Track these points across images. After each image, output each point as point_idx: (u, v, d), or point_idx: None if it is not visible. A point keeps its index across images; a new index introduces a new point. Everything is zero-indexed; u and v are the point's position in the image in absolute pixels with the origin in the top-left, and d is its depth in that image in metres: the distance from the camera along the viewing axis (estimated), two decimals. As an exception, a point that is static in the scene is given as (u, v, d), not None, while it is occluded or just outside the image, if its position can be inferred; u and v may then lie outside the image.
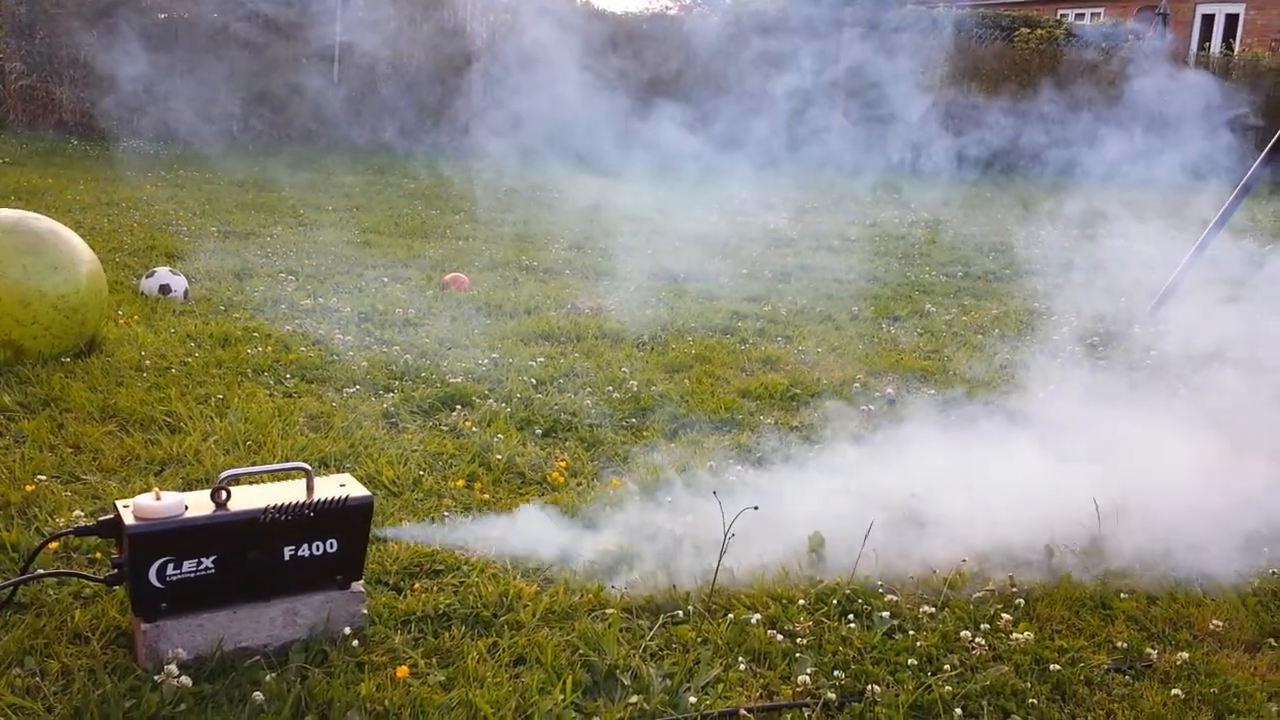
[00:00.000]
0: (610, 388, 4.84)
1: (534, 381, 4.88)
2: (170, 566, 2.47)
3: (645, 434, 4.32)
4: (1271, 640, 2.93)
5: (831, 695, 2.54)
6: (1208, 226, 6.75)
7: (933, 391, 5.06)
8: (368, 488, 2.82)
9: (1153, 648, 2.84)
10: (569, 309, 6.41)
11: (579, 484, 3.76)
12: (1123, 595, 3.10)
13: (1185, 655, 2.79)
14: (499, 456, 3.89)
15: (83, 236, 5.09)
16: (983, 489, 3.86)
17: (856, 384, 5.12)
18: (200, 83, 13.97)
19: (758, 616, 2.87)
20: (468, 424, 4.27)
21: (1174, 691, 2.63)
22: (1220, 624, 2.97)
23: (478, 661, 2.61)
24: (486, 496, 3.58)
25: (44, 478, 3.48)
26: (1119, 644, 2.85)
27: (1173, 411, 4.57)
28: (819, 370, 5.35)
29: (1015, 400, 4.94)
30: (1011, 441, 4.37)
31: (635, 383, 4.94)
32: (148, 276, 6.12)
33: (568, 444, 4.14)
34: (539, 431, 4.24)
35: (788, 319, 6.52)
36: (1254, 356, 5.12)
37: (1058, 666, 2.70)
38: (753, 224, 10.42)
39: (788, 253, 8.79)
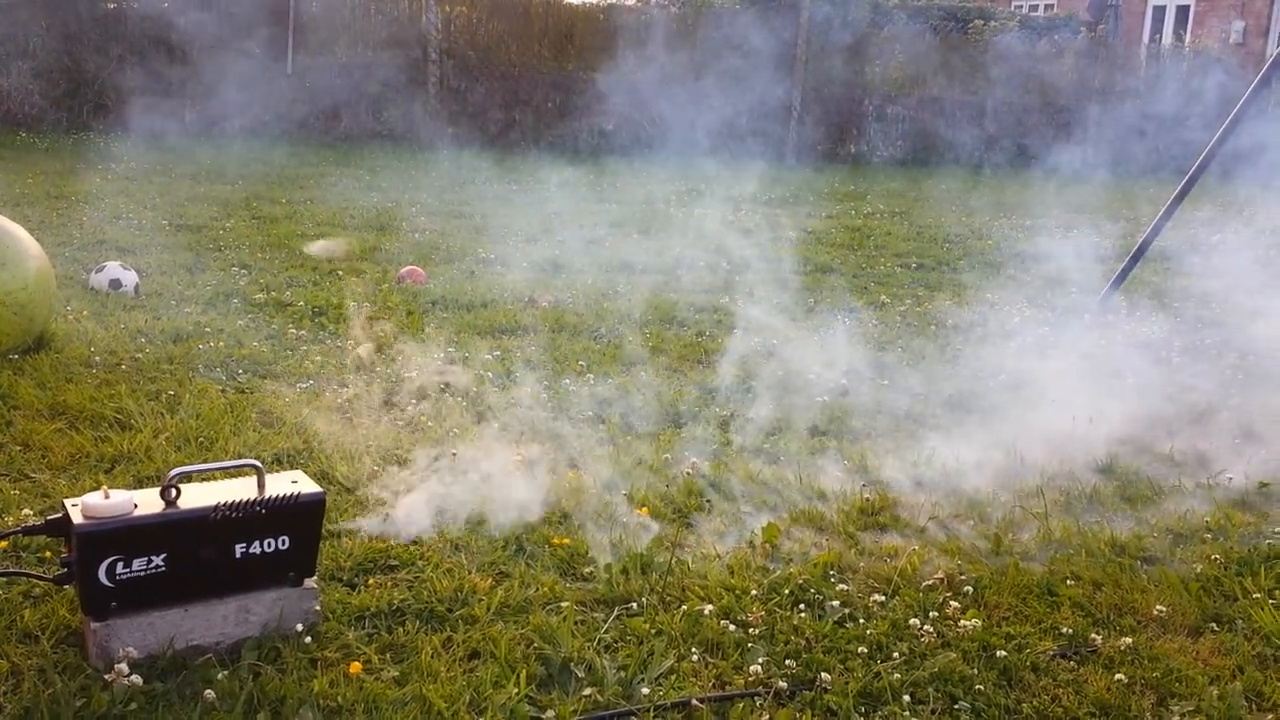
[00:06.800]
0: (567, 381, 4.85)
1: (490, 375, 4.88)
2: (120, 565, 2.46)
3: (601, 427, 4.33)
4: (1213, 625, 2.99)
5: (783, 684, 2.58)
6: (1157, 214, 6.85)
7: (885, 382, 5.11)
8: (321, 484, 2.82)
9: (1097, 633, 2.89)
10: (526, 302, 6.41)
11: (535, 476, 3.76)
12: (1069, 581, 3.16)
13: (1129, 640, 2.84)
14: (455, 451, 3.89)
15: (30, 231, 5.03)
16: (933, 481, 3.92)
17: (812, 375, 5.16)
18: (151, 73, 13.80)
19: (711, 607, 2.89)
20: (424, 418, 4.26)
21: (1117, 676, 2.68)
22: (1164, 609, 3.03)
23: (432, 656, 2.61)
24: (442, 492, 3.57)
25: (-9, 476, 3.44)
26: (1064, 630, 2.90)
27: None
28: (775, 362, 5.38)
29: (964, 389, 5.01)
30: (963, 432, 4.44)
31: (592, 375, 4.95)
32: (97, 271, 6.04)
33: (523, 437, 4.14)
34: (495, 425, 4.25)
35: (744, 311, 6.55)
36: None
37: (1004, 653, 2.75)
38: (710, 216, 10.44)
39: (745, 245, 8.83)
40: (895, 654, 2.73)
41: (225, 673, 2.46)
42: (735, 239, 8.96)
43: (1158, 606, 3.04)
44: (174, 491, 2.52)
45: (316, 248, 7.27)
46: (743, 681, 2.61)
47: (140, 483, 3.47)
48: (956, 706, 2.54)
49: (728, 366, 5.28)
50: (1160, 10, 26.39)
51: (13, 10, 13.90)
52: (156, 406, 4.19)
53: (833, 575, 3.13)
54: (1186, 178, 6.44)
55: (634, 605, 2.92)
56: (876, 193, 13.19)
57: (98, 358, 4.74)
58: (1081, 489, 3.94)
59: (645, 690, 2.53)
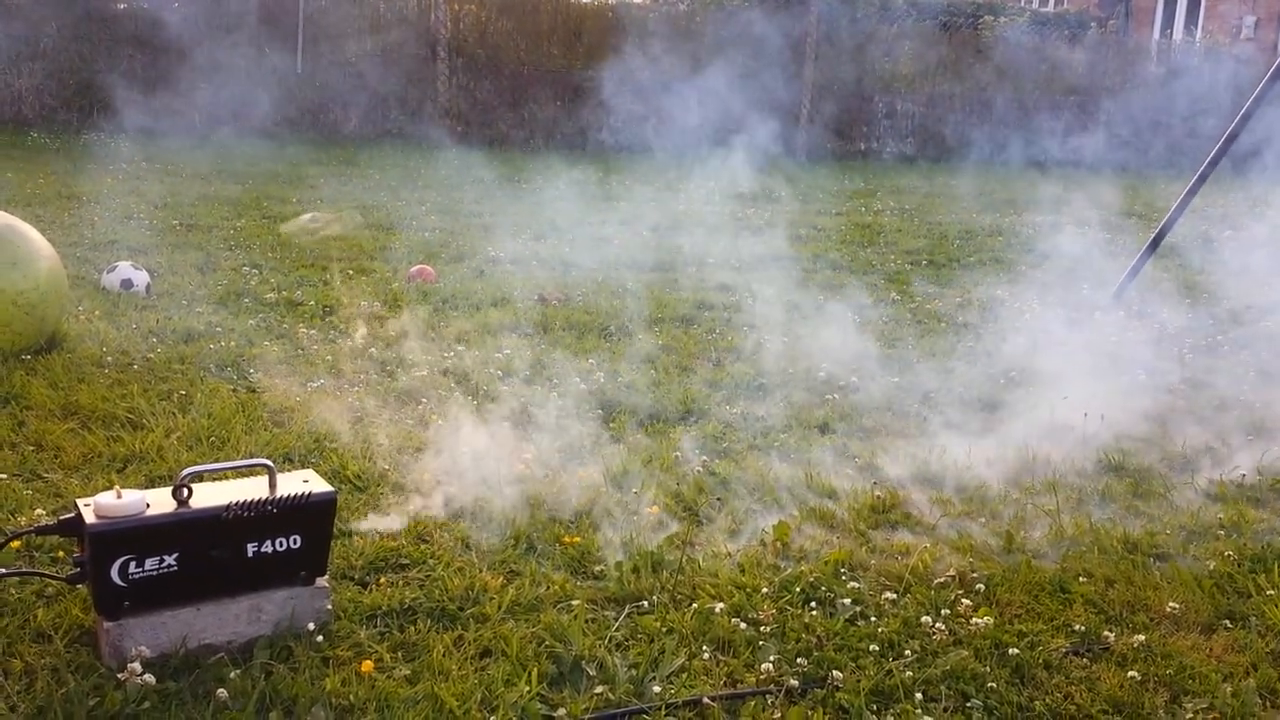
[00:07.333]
0: (577, 379, 4.85)
1: (500, 374, 4.88)
2: (132, 564, 2.46)
3: (611, 425, 4.33)
4: (1226, 622, 2.98)
5: (794, 682, 2.57)
6: (1170, 209, 6.82)
7: (896, 379, 5.10)
8: (332, 483, 2.82)
9: (1110, 630, 2.88)
10: (536, 300, 6.41)
11: (546, 475, 3.76)
12: (1081, 579, 3.15)
13: (1142, 637, 2.83)
14: (466, 449, 3.89)
15: (42, 231, 5.04)
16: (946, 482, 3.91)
17: (822, 372, 5.16)
18: (162, 73, 13.83)
19: (722, 605, 2.89)
20: (434, 417, 4.27)
21: (1130, 673, 2.68)
22: (1177, 606, 3.02)
23: (443, 655, 2.62)
24: (454, 490, 3.58)
25: (4, 476, 3.46)
26: (1077, 627, 2.89)
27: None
28: (785, 359, 5.37)
29: (975, 386, 5.00)
30: (974, 428, 4.43)
31: (601, 374, 4.95)
32: (109, 271, 6.06)
33: (534, 436, 4.14)
34: (506, 423, 4.25)
35: (755, 308, 6.54)
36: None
37: (1016, 650, 2.74)
38: (721, 212, 10.43)
39: (756, 242, 8.82)
40: (907, 652, 2.72)
41: (237, 671, 2.47)
42: (745, 236, 8.95)
43: (1171, 603, 3.03)
44: (186, 491, 2.53)
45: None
46: (754, 679, 2.60)
47: (152, 482, 3.48)
48: (969, 704, 2.54)
49: (738, 364, 5.28)
50: (1171, 4, 26.27)
51: (24, 11, 13.94)
52: (168, 406, 4.20)
53: (844, 573, 3.13)
54: (1200, 172, 6.41)
55: (645, 603, 2.92)
56: (886, 189, 13.16)
57: (109, 358, 4.75)
58: (1093, 486, 3.93)
59: (657, 688, 2.53)
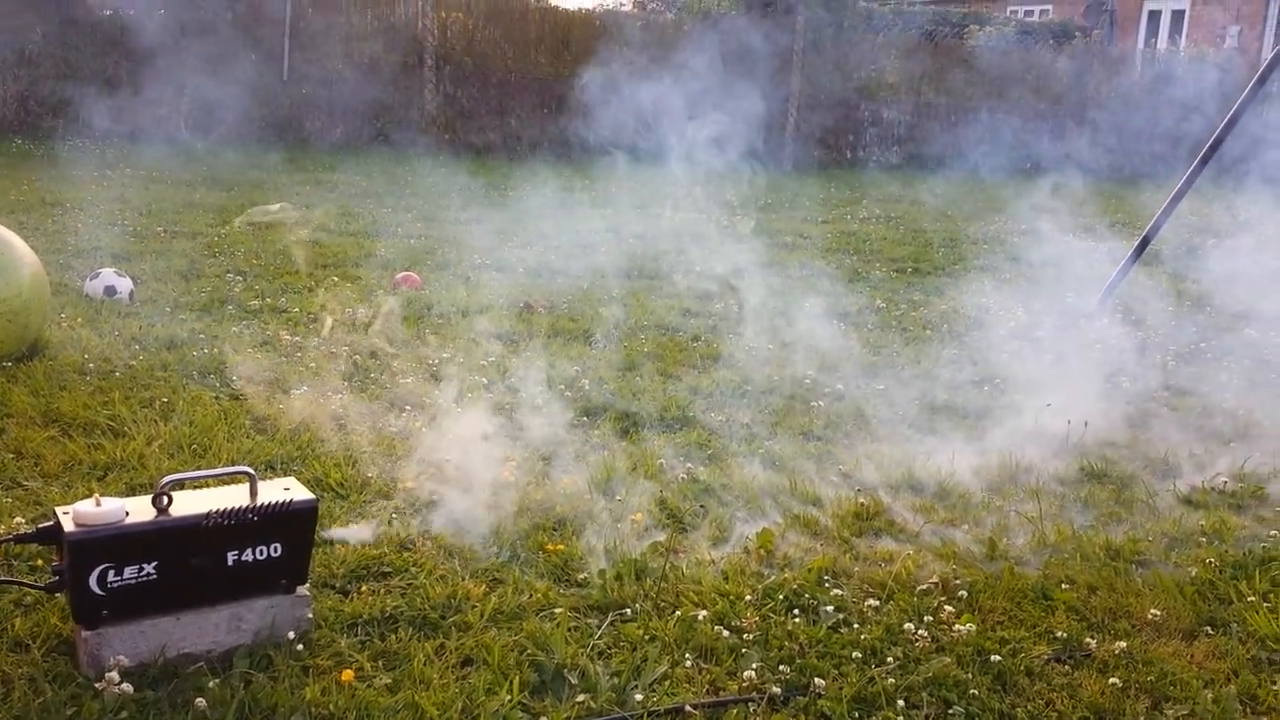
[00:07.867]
0: (563, 386, 4.84)
1: (484, 380, 4.87)
2: (111, 573, 2.45)
3: (596, 432, 4.33)
4: (1208, 628, 2.99)
5: (777, 689, 2.57)
6: (1151, 220, 6.84)
7: (881, 386, 5.11)
8: (314, 490, 2.81)
9: (1092, 637, 2.89)
10: (522, 307, 6.40)
11: (530, 482, 3.75)
12: (1063, 585, 3.15)
13: (1124, 644, 2.84)
14: (449, 457, 3.88)
15: (25, 238, 5.02)
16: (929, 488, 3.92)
17: (807, 379, 5.16)
18: (146, 80, 13.79)
19: (705, 613, 2.89)
20: (417, 424, 4.25)
21: (1112, 680, 2.68)
22: (1158, 613, 3.02)
23: (424, 663, 2.61)
24: (435, 498, 3.57)
25: (-16, 484, 3.43)
26: (1059, 634, 2.89)
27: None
28: (771, 366, 5.38)
29: (959, 393, 5.01)
30: (958, 436, 4.44)
31: (587, 381, 4.95)
32: (92, 278, 6.03)
33: (518, 443, 4.13)
34: (490, 430, 4.24)
35: (740, 316, 6.55)
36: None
37: (999, 657, 2.74)
38: (706, 220, 10.44)
39: (742, 250, 8.82)
40: (889, 659, 2.72)
41: (217, 681, 2.46)
42: (731, 245, 8.96)
43: (1152, 610, 3.03)
44: (166, 499, 2.51)
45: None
46: (737, 687, 2.60)
47: (133, 490, 3.46)
48: (951, 711, 2.54)
49: (723, 371, 5.28)
50: (1155, 15, 26.43)
51: (8, 17, 13.89)
52: (150, 413, 4.18)
53: (827, 580, 3.13)
54: (1184, 178, 6.43)
55: (628, 611, 2.91)
56: (872, 198, 13.19)
57: (92, 365, 4.73)
58: (1076, 493, 3.94)
59: (639, 696, 2.52)
